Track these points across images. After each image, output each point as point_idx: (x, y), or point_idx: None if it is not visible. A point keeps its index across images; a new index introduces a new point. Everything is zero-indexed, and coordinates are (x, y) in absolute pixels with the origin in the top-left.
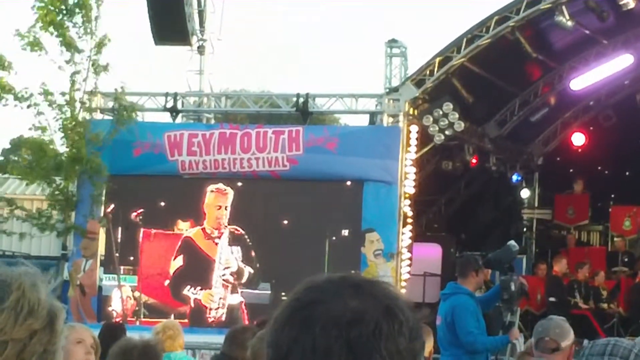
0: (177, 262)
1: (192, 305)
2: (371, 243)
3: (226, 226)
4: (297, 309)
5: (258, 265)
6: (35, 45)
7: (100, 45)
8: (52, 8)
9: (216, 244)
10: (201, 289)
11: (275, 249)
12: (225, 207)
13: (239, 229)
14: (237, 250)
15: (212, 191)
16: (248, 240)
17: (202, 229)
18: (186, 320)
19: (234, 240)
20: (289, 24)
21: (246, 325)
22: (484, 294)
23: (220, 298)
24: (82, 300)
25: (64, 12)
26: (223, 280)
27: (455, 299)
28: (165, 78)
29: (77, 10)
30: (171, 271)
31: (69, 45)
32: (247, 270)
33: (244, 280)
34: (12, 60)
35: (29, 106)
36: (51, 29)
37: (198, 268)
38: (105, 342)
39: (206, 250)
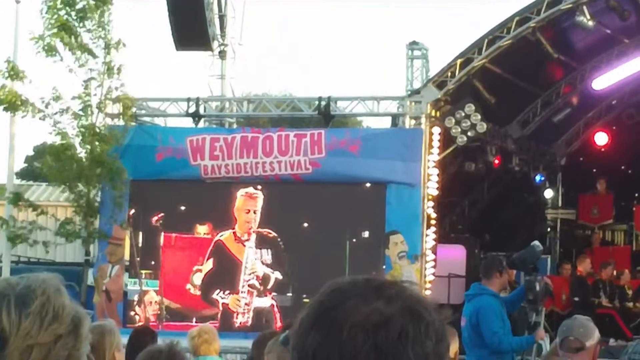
0: (208, 265)
1: (221, 309)
2: (395, 245)
3: (253, 231)
4: (322, 312)
5: (288, 269)
6: (50, 50)
7: (109, 47)
8: (61, 13)
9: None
10: (229, 293)
11: (298, 252)
12: (255, 210)
13: (271, 231)
14: (267, 253)
15: (242, 195)
16: (281, 243)
17: (233, 232)
18: (217, 324)
19: (266, 243)
20: (310, 27)
21: (274, 330)
22: (509, 294)
23: (245, 303)
24: (107, 306)
25: (74, 16)
26: (248, 285)
27: (480, 300)
28: (188, 83)
29: (87, 15)
30: (202, 274)
31: (82, 48)
32: (274, 276)
33: (269, 285)
34: (25, 69)
35: (43, 117)
36: (63, 33)
37: (228, 272)
38: (135, 348)
39: (236, 254)
